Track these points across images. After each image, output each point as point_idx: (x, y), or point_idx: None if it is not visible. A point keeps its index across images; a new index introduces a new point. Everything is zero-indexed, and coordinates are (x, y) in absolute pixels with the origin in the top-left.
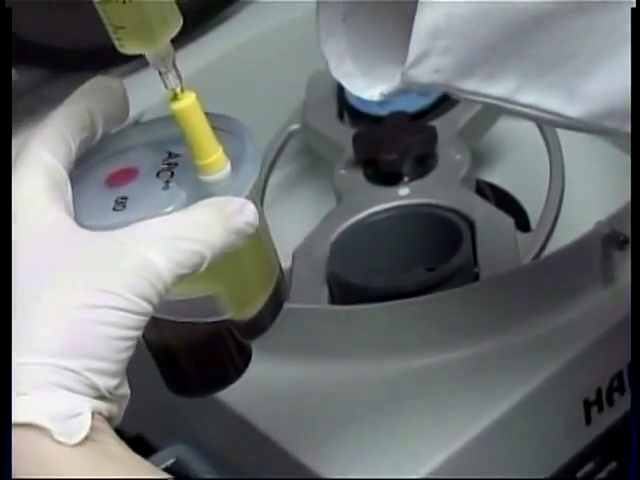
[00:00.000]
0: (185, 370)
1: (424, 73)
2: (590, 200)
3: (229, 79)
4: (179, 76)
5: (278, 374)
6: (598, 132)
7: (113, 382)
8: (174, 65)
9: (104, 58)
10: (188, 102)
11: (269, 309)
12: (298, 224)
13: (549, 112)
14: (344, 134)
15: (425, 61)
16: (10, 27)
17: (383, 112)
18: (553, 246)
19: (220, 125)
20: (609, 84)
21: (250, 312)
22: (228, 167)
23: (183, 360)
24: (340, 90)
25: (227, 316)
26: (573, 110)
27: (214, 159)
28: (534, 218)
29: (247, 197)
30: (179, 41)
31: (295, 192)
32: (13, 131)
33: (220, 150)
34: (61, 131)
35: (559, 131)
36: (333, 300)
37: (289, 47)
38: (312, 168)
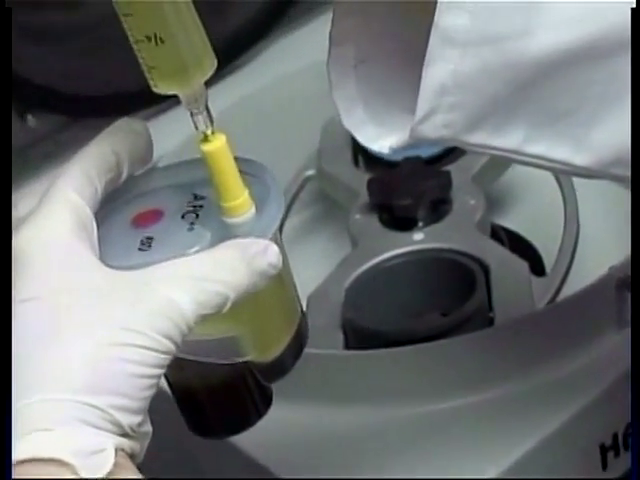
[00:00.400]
0: (206, 411)
1: (432, 129)
2: (604, 244)
3: (244, 125)
4: (211, 118)
5: (293, 418)
6: (606, 179)
7: (136, 419)
8: (206, 107)
9: (121, 104)
10: (218, 144)
11: (291, 351)
12: (313, 269)
13: (557, 162)
14: (359, 179)
15: (433, 118)
16: (10, 27)
17: (398, 157)
18: (568, 290)
19: (245, 168)
20: (614, 133)
21: (272, 354)
22: (253, 210)
23: (204, 401)
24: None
25: (249, 358)
26: (581, 159)
27: (240, 202)
28: (549, 262)
29: (270, 239)
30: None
31: (310, 237)
32: (30, 176)
33: (246, 193)
34: (87, 171)
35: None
36: (348, 345)
37: (304, 93)
38: (327, 213)
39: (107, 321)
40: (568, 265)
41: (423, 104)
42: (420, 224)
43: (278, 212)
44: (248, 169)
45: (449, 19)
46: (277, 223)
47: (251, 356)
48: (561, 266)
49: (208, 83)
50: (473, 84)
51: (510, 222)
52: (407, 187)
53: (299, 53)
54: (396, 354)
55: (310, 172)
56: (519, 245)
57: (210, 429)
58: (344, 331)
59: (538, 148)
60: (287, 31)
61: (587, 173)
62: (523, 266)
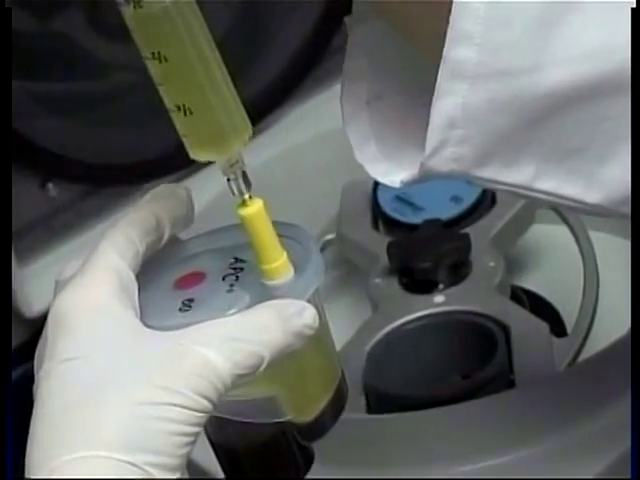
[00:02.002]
0: (247, 471)
1: (443, 162)
2: (624, 303)
3: (264, 189)
4: (248, 183)
5: None
6: (617, 217)
7: (172, 476)
8: (243, 172)
9: (141, 173)
10: (256, 209)
11: (330, 411)
12: (334, 333)
13: (568, 199)
14: (378, 243)
15: (443, 151)
16: (10, 27)
17: (417, 220)
18: (589, 350)
19: (284, 232)
20: (624, 171)
21: (311, 414)
22: (291, 272)
23: (244, 461)
24: (375, 199)
25: (288, 418)
26: (592, 197)
27: (278, 264)
28: (569, 322)
29: (309, 300)
30: None
31: (331, 301)
32: (52, 246)
33: (284, 255)
34: (129, 234)
35: (592, 235)
36: (370, 409)
37: (323, 158)
38: (347, 277)
39: (144, 381)
40: (589, 326)
41: (433, 137)
42: (440, 287)
43: (316, 274)
44: (287, 232)
45: (458, 52)
46: (315, 285)
47: (290, 416)
48: (582, 327)
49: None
50: (482, 117)
51: (530, 283)
52: (427, 250)
53: (317, 119)
54: (418, 418)
55: (330, 236)
56: (539, 306)
57: None
58: (366, 395)
59: (548, 184)
60: (304, 98)
61: (598, 211)
62: (544, 327)
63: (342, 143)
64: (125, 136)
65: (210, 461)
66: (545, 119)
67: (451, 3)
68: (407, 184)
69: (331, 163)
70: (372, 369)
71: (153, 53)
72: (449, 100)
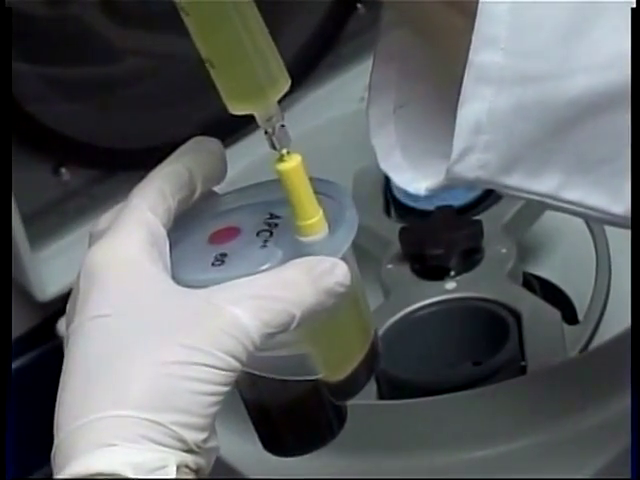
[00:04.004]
0: (278, 429)
1: (469, 169)
2: None
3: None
4: (287, 138)
5: (325, 468)
6: None
7: (201, 436)
8: (282, 126)
9: (155, 158)
10: (294, 164)
11: (363, 370)
12: None
13: (594, 209)
14: (391, 229)
15: (469, 157)
16: (10, 27)
17: (429, 207)
18: (600, 338)
19: (321, 189)
20: None
21: (344, 373)
22: (326, 229)
23: (276, 419)
24: (387, 185)
25: (320, 376)
26: (618, 208)
27: (314, 221)
28: (581, 309)
29: (342, 258)
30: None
31: None
32: (64, 230)
33: (320, 213)
34: (161, 189)
35: None
36: (381, 395)
37: (335, 144)
38: (359, 263)
39: (172, 339)
40: (600, 313)
41: (459, 142)
42: (452, 273)
43: (350, 232)
44: (325, 190)
45: (483, 56)
46: (348, 244)
47: (323, 374)
48: (594, 314)
49: (246, 131)
50: (508, 123)
51: (542, 270)
52: (439, 236)
53: (329, 105)
54: (429, 404)
55: None
56: (551, 293)
57: (283, 447)
58: (377, 381)
59: (575, 194)
60: (317, 84)
61: (624, 222)
62: (555, 314)
63: (354, 129)
64: (139, 121)
65: (237, 458)
66: (570, 127)
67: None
68: (432, 192)
69: (343, 149)
70: (383, 355)
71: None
72: (475, 105)
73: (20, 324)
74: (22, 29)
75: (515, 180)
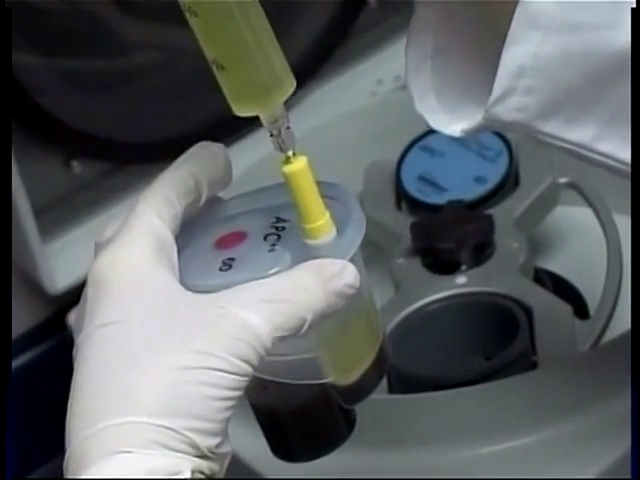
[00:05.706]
0: (287, 434)
1: (506, 111)
2: None
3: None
4: (292, 140)
5: (335, 462)
6: None
7: (214, 441)
8: (288, 128)
9: (166, 151)
10: (300, 166)
11: (372, 374)
12: None
13: (625, 163)
14: (401, 223)
15: (508, 99)
16: (10, 27)
17: (441, 201)
18: (611, 333)
19: (327, 192)
20: None
21: (353, 376)
22: (333, 232)
23: (285, 423)
24: (398, 179)
25: (329, 379)
26: None
27: (320, 224)
28: (592, 304)
29: (350, 260)
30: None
31: None
32: (75, 223)
33: (327, 215)
34: (167, 195)
35: (617, 217)
36: (391, 389)
37: (347, 138)
38: (370, 257)
39: (183, 345)
40: (612, 308)
41: (500, 84)
42: (463, 268)
43: (358, 234)
44: (329, 192)
45: (534, 1)
46: (356, 246)
47: (332, 378)
48: (605, 309)
49: (251, 129)
50: (551, 69)
51: (553, 265)
52: (450, 231)
53: (340, 100)
54: (439, 398)
55: None
56: (562, 288)
57: (292, 453)
58: (388, 375)
59: (608, 147)
60: (327, 78)
61: None
62: (566, 309)
63: (364, 124)
64: (151, 114)
65: (253, 457)
66: (613, 79)
67: None
68: (468, 133)
69: (354, 143)
70: (394, 349)
71: (189, 6)
72: (521, 48)
73: (31, 317)
74: (34, 22)
75: (551, 127)
